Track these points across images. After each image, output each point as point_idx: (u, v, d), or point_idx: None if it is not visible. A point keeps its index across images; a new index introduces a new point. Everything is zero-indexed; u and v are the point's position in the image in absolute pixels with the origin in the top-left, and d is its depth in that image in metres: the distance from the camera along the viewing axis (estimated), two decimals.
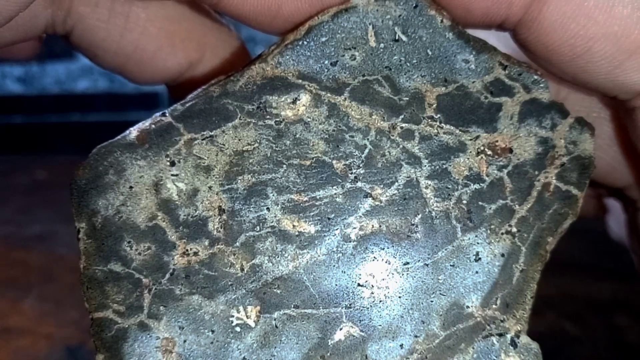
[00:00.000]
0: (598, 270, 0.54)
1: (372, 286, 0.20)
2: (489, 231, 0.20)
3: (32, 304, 0.52)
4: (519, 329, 0.20)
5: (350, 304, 0.19)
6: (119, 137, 0.19)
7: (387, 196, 0.20)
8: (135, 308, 0.19)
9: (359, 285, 0.20)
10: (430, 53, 0.20)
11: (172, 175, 0.19)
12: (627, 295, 0.49)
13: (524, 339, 0.20)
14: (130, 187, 0.19)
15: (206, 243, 0.19)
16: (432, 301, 0.20)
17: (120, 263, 0.19)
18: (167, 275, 0.19)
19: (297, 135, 0.20)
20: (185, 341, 0.19)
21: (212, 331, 0.19)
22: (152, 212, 0.19)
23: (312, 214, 0.20)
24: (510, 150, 0.20)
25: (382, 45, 0.20)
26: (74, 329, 0.48)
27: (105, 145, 0.19)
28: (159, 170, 0.19)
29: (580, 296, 0.50)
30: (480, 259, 0.20)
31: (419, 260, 0.20)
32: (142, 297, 0.19)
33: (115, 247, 0.19)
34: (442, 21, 0.20)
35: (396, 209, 0.20)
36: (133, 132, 0.19)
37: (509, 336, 0.20)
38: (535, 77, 0.20)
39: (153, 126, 0.19)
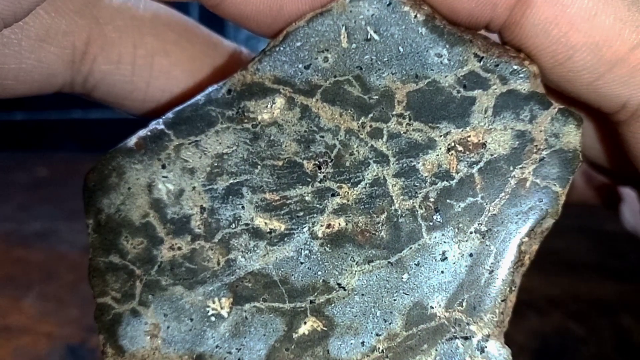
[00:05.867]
0: (604, 270, 0.54)
1: (337, 283, 0.20)
2: (456, 230, 0.20)
3: (32, 302, 0.52)
4: (487, 333, 0.19)
5: (314, 300, 0.20)
6: (121, 144, 0.21)
7: (354, 195, 0.20)
8: (129, 295, 0.21)
9: (323, 281, 0.20)
10: (401, 50, 0.20)
11: (163, 177, 0.21)
12: (633, 296, 0.49)
13: (493, 343, 0.19)
14: (129, 188, 0.21)
15: (188, 239, 0.21)
16: (394, 300, 0.20)
17: (118, 255, 0.21)
18: (156, 267, 0.21)
19: (271, 137, 0.20)
20: (168, 327, 0.21)
21: (191, 319, 0.20)
22: (145, 211, 0.21)
23: (282, 212, 0.20)
24: (484, 146, 0.19)
25: (354, 45, 0.20)
26: (75, 328, 0.48)
27: (111, 151, 0.21)
28: (152, 173, 0.21)
29: (585, 296, 0.50)
30: (446, 258, 0.20)
31: (382, 259, 0.20)
32: (135, 286, 0.21)
33: (115, 241, 0.21)
34: (415, 16, 0.19)
35: (362, 207, 0.20)
36: (133, 139, 0.21)
37: (475, 340, 0.19)
38: (515, 67, 0.19)
39: (149, 133, 0.21)
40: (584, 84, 0.19)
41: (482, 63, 0.19)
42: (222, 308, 0.20)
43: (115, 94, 0.23)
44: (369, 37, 0.20)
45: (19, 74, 0.20)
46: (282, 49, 0.20)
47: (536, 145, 0.19)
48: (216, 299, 0.20)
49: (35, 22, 0.20)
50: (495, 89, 0.19)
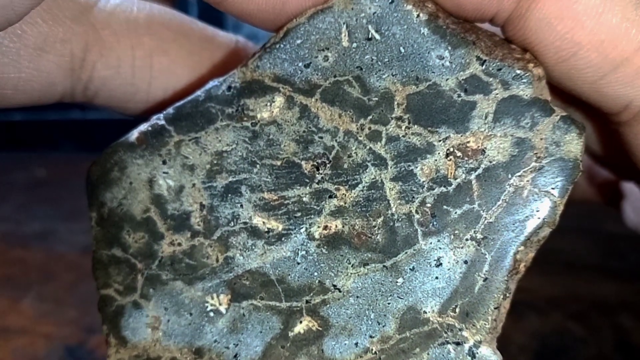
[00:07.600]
0: (603, 271, 0.53)
1: (332, 284, 0.20)
2: (452, 236, 0.19)
3: (31, 303, 0.52)
4: (479, 339, 0.19)
5: (310, 300, 0.20)
6: (123, 138, 0.21)
7: (351, 197, 0.20)
8: (131, 288, 0.21)
9: (319, 282, 0.20)
10: (403, 50, 0.19)
11: (164, 173, 0.21)
12: (633, 296, 0.49)
13: (484, 350, 0.19)
14: (130, 183, 0.21)
15: (188, 235, 0.21)
16: (388, 303, 0.20)
17: (120, 249, 0.21)
18: (157, 262, 0.21)
19: (270, 137, 0.20)
20: (168, 320, 0.21)
21: (190, 314, 0.21)
22: (146, 206, 0.21)
23: (280, 212, 0.20)
24: (483, 152, 0.19)
25: (354, 44, 0.19)
26: (74, 328, 0.48)
27: (113, 145, 0.21)
28: (153, 168, 0.21)
29: (585, 296, 0.50)
30: (441, 264, 0.19)
31: (378, 262, 0.20)
32: (136, 279, 0.21)
33: (117, 235, 0.21)
34: (418, 16, 0.19)
35: (359, 210, 0.20)
36: (134, 133, 0.21)
37: (466, 346, 0.19)
38: (518, 71, 0.19)
39: (150, 128, 0.21)
40: (586, 82, 0.19)
41: (484, 66, 0.19)
42: (220, 304, 0.21)
43: (118, 98, 0.23)
44: (370, 36, 0.19)
45: (18, 83, 0.20)
46: (282, 46, 0.20)
47: (536, 153, 0.19)
48: (215, 295, 0.21)
49: (33, 31, 0.20)
50: (497, 94, 0.19)
